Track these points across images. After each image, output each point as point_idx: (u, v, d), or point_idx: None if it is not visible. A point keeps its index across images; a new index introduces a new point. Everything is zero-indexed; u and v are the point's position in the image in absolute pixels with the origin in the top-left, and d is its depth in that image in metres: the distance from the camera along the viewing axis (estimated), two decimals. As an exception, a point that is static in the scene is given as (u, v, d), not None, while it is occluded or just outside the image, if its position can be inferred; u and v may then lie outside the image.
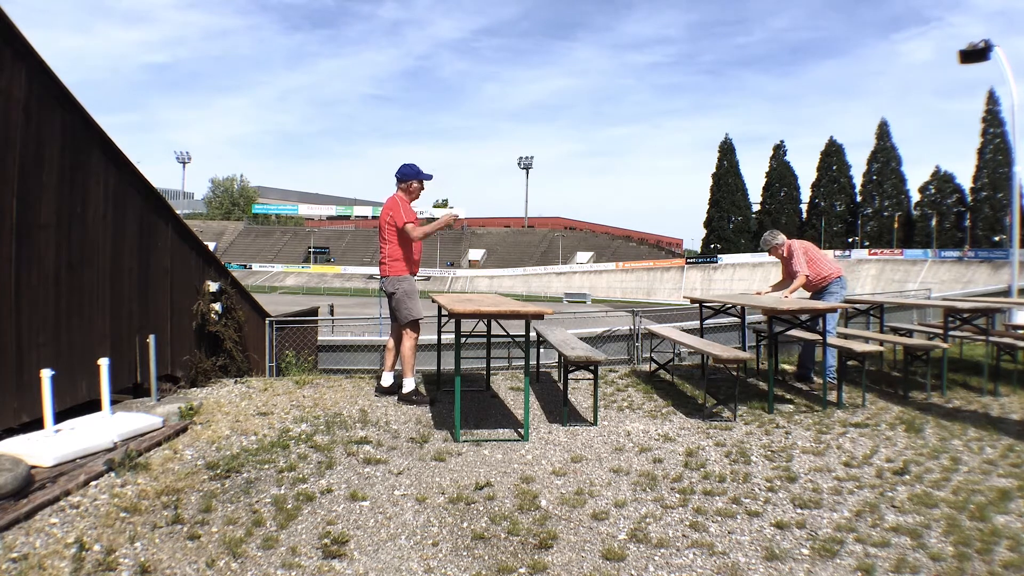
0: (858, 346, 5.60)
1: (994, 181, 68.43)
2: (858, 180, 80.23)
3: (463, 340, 4.97)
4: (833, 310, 5.86)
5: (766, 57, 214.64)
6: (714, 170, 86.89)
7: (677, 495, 3.40)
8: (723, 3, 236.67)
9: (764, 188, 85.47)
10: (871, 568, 2.60)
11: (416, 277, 5.59)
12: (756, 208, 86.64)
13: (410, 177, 5.55)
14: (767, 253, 6.89)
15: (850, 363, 6.02)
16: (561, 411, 4.96)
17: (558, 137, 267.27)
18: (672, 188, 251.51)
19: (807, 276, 6.49)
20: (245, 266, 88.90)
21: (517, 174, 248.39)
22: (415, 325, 5.49)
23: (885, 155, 77.77)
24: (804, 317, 6.05)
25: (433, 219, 6.34)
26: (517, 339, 5.14)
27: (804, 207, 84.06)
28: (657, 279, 76.26)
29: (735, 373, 5.27)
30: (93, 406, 4.43)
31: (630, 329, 7.93)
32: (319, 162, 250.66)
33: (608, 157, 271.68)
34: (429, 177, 5.62)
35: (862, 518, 3.10)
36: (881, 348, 6.12)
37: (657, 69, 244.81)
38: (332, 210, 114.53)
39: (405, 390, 5.39)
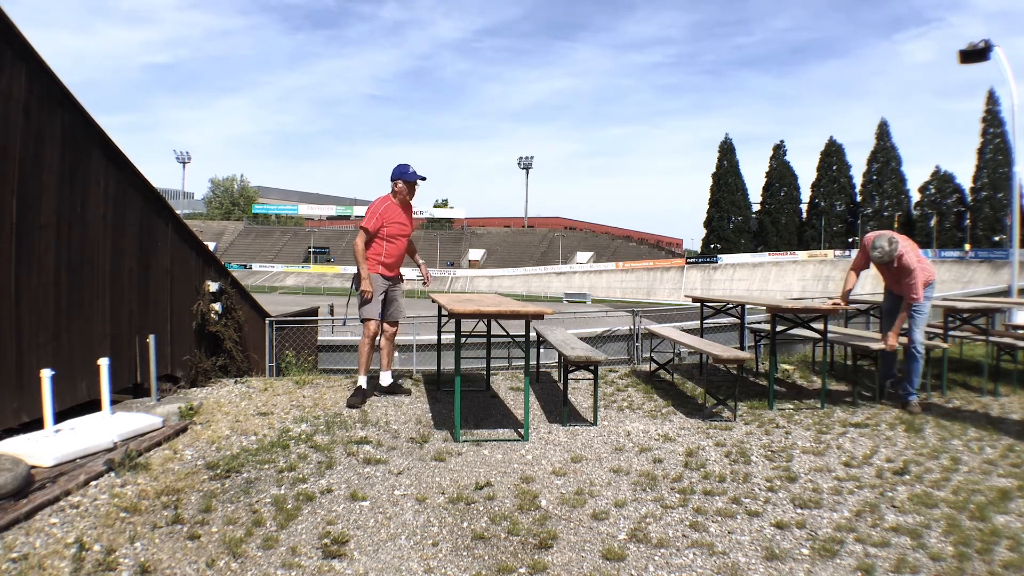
0: (875, 344, 5.52)
1: (994, 181, 68.43)
2: (858, 180, 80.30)
3: (463, 340, 4.97)
4: (835, 311, 5.86)
5: (766, 57, 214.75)
6: (714, 170, 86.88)
7: (677, 495, 3.40)
8: (724, 3, 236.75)
9: (764, 188, 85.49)
10: (871, 568, 2.60)
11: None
12: (756, 208, 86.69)
13: (394, 177, 5.48)
14: (884, 264, 5.42)
15: (860, 361, 6.01)
16: (561, 411, 4.96)
17: (558, 137, 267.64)
18: (672, 188, 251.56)
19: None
20: (245, 266, 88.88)
21: (517, 174, 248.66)
22: (366, 325, 5.45)
23: (885, 155, 77.76)
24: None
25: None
26: (517, 339, 5.14)
27: (804, 207, 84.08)
28: (657, 279, 76.23)
29: (735, 373, 5.27)
30: (93, 406, 4.43)
31: (630, 329, 7.93)
32: (319, 162, 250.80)
33: (608, 157, 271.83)
34: (415, 177, 5.47)
35: (862, 518, 3.10)
36: (897, 345, 6.05)
37: (658, 69, 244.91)
38: (332, 210, 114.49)
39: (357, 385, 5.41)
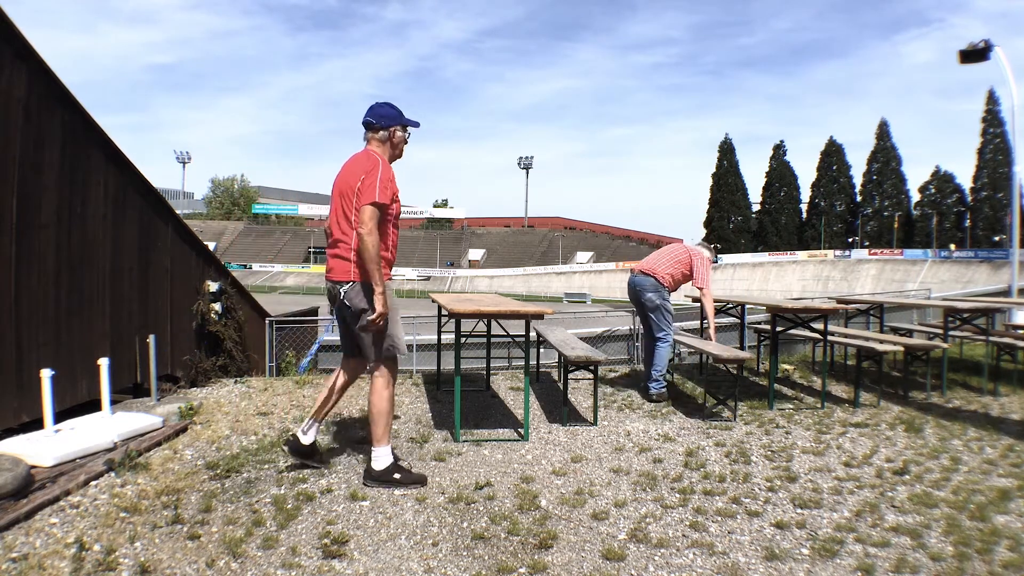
0: (879, 347, 5.53)
1: (994, 181, 68.45)
2: (858, 180, 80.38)
3: (463, 340, 4.97)
4: (835, 311, 5.86)
5: (768, 58, 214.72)
6: (714, 170, 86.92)
7: (677, 495, 3.40)
8: (726, 4, 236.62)
9: (764, 188, 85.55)
10: (871, 568, 2.60)
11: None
12: (756, 208, 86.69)
13: (388, 122, 3.56)
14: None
15: (865, 363, 6.00)
16: (561, 411, 4.96)
17: (559, 137, 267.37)
18: (672, 188, 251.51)
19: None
20: (245, 266, 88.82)
21: (517, 174, 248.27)
22: (393, 363, 3.48)
23: (885, 155, 77.79)
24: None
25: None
26: (517, 339, 5.14)
27: (804, 207, 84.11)
28: (657, 279, 76.06)
29: (735, 373, 5.27)
30: (93, 406, 4.43)
31: (630, 329, 7.93)
32: (320, 162, 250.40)
33: (609, 157, 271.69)
34: (416, 124, 3.70)
35: (862, 518, 3.10)
36: (894, 348, 6.08)
37: (659, 70, 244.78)
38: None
39: (378, 465, 3.44)
